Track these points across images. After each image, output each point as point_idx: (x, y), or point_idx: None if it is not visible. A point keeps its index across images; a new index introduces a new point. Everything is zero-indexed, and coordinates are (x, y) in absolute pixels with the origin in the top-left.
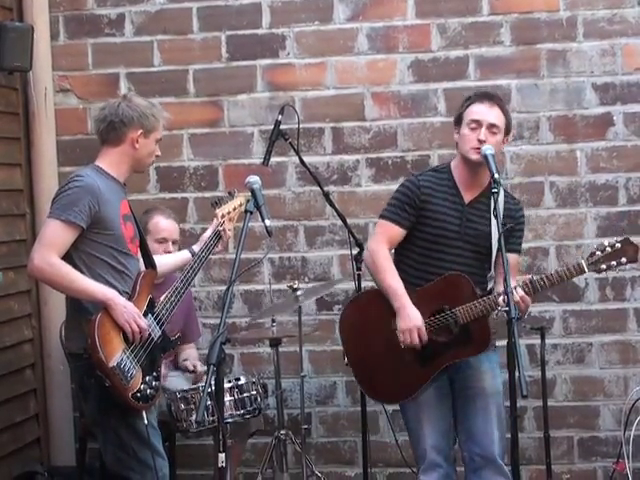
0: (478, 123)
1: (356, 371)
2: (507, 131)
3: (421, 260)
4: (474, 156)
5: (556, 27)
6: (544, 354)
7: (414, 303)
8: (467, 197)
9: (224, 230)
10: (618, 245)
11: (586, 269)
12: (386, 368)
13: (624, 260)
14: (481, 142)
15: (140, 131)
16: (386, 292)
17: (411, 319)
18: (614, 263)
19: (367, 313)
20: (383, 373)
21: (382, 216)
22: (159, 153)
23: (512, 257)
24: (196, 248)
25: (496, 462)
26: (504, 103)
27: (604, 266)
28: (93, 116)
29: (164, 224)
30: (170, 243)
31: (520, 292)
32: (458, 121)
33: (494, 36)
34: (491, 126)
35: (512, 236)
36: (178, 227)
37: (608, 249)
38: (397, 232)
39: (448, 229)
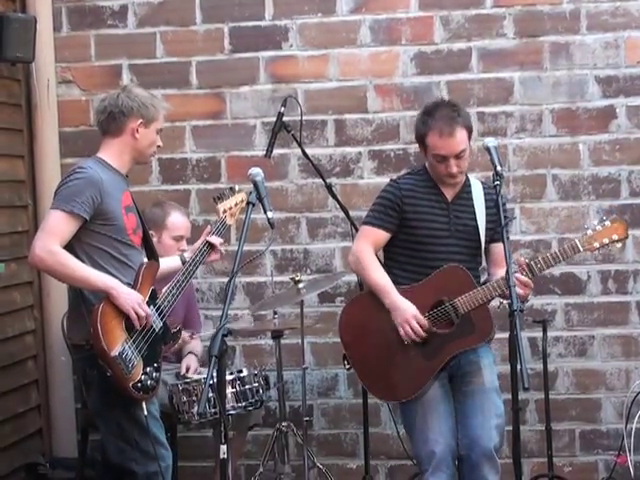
0: (444, 158)
1: (361, 373)
2: (470, 134)
3: (413, 262)
4: (450, 181)
5: (559, 20)
6: (546, 347)
7: (411, 299)
8: (449, 195)
9: (224, 223)
10: (608, 223)
11: (581, 248)
12: (392, 366)
13: (615, 237)
14: (452, 174)
15: (140, 121)
16: (375, 289)
17: (405, 310)
18: (606, 241)
19: (366, 314)
20: (389, 371)
21: (365, 222)
22: (161, 144)
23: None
24: (187, 255)
25: (493, 458)
26: (460, 109)
27: (597, 244)
28: (94, 108)
29: (182, 222)
30: (184, 241)
31: (520, 277)
32: (421, 141)
33: (497, 28)
34: (457, 155)
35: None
36: None
37: (599, 227)
38: (381, 236)
39: (437, 228)
